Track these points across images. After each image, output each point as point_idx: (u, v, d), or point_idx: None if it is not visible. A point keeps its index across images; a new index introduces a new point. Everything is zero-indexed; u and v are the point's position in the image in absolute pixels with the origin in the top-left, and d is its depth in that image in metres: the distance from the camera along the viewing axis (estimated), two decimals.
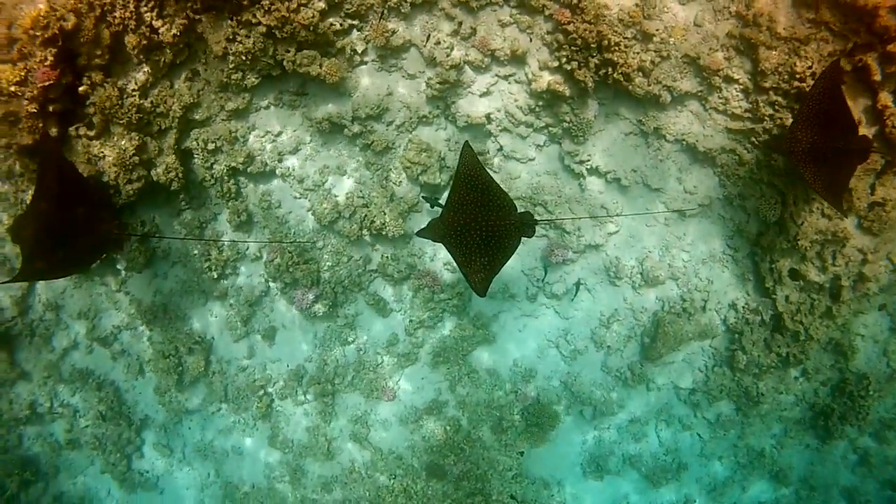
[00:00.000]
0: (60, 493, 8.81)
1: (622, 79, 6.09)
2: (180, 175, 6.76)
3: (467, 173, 4.81)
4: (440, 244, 4.89)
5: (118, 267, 7.52)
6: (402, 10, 6.40)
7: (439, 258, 7.17)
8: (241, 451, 8.07)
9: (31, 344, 8.06)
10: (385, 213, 6.85)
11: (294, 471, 7.90)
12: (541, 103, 6.59)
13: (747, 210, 6.66)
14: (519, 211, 4.99)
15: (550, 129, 6.71)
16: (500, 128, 6.79)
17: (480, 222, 4.77)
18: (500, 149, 6.87)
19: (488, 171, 4.96)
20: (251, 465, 8.11)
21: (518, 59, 6.48)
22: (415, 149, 6.74)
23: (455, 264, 5.51)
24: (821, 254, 6.60)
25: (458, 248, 4.80)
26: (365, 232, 6.99)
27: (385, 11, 6.40)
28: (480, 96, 6.69)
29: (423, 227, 4.97)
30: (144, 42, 6.08)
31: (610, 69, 6.09)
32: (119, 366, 8.08)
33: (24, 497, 8.67)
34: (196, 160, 6.91)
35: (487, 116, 6.73)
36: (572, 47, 6.14)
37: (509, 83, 6.66)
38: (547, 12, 6.22)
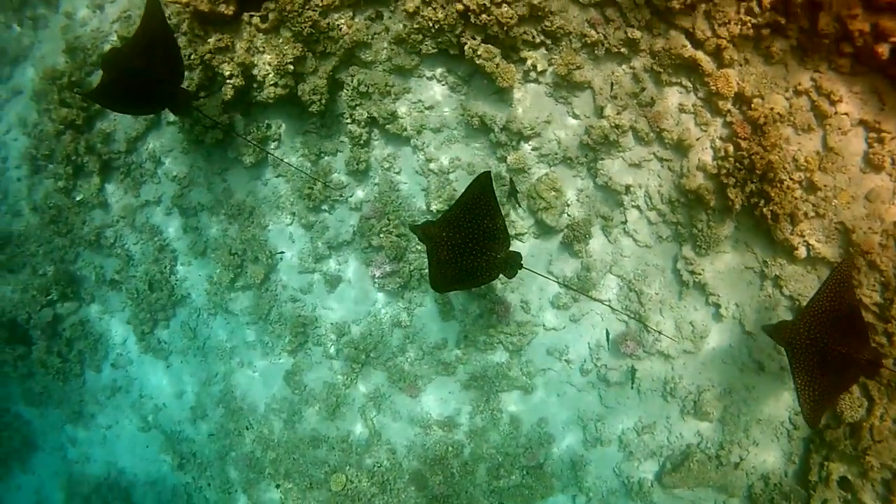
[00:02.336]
0: (87, 320, 10.80)
1: (769, 216, 7.06)
2: (323, 101, 8.21)
3: (477, 196, 5.85)
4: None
5: (228, 153, 9.07)
6: (596, 52, 7.56)
7: (519, 293, 8.39)
8: (255, 370, 9.67)
9: (122, 182, 9.90)
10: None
11: (293, 413, 9.44)
12: (682, 200, 7.63)
13: None
14: (511, 249, 5.95)
15: (679, 227, 7.74)
16: (633, 203, 7.88)
17: (469, 244, 5.85)
18: (624, 222, 7.96)
19: (499, 205, 5.93)
20: (258, 387, 9.71)
21: (681, 148, 7.52)
22: (547, 184, 7.92)
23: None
24: (889, 484, 7.30)
25: (436, 256, 5.90)
26: None
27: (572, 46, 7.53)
28: (629, 166, 7.79)
29: (419, 223, 6.05)
30: None
31: (762, 201, 7.06)
32: (186, 239, 9.77)
33: (59, 307, 10.65)
34: (343, 94, 8.34)
35: (627, 187, 7.83)
36: (737, 163, 7.13)
37: (662, 166, 7.72)
38: (728, 119, 7.28)
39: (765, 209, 7.05)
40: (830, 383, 5.51)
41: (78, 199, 10.32)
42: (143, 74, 6.72)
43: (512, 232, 8.06)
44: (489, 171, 5.99)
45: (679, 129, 7.50)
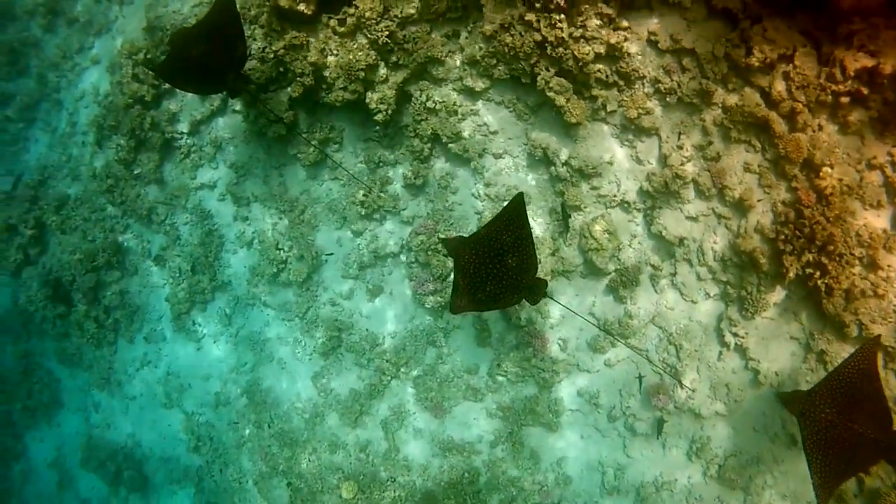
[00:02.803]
0: (127, 291, 11.29)
1: (823, 289, 7.08)
2: (390, 112, 8.48)
3: (510, 217, 5.96)
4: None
5: (288, 149, 9.36)
6: (668, 99, 7.69)
7: (558, 329, 8.53)
8: (284, 365, 9.96)
9: (181, 163, 10.31)
10: (542, 258, 8.23)
11: (316, 414, 9.72)
12: (735, 259, 7.69)
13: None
14: (538, 276, 6.02)
15: (728, 287, 7.80)
16: (685, 256, 7.96)
17: (496, 264, 5.91)
18: (674, 274, 8.04)
19: (530, 227, 6.04)
20: (284, 383, 10.03)
21: (741, 207, 7.58)
22: (602, 226, 8.06)
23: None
24: None
25: (463, 272, 5.96)
26: None
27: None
28: (686, 218, 7.88)
29: (448, 236, 6.09)
30: None
31: (818, 273, 7.08)
32: (235, 227, 10.12)
33: (102, 274, 11.22)
34: (410, 108, 8.60)
35: (681, 239, 7.92)
36: (797, 231, 7.16)
37: (719, 223, 7.79)
38: (794, 184, 7.31)
39: (820, 281, 7.05)
40: (843, 461, 5.46)
41: (136, 172, 10.74)
42: (205, 56, 7.07)
43: (559, 267, 8.20)
44: (523, 193, 6.12)
45: (741, 188, 7.54)
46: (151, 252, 11.04)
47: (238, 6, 8.69)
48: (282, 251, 9.52)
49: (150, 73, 10.15)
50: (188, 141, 10.36)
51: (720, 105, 7.48)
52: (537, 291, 6.04)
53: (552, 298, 6.96)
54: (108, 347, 11.94)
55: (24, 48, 13.28)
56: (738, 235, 7.63)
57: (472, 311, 6.30)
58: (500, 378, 8.81)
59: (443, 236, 7.46)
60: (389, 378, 9.22)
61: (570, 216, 8.10)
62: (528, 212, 7.86)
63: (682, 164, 7.76)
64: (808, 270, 7.11)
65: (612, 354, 8.43)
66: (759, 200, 7.52)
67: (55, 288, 12.06)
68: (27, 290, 12.53)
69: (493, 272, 5.91)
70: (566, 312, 7.94)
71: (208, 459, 10.95)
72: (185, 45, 7.15)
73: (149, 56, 10.19)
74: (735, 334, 7.81)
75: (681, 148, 7.77)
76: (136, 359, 11.65)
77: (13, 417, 13.95)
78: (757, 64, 7.00)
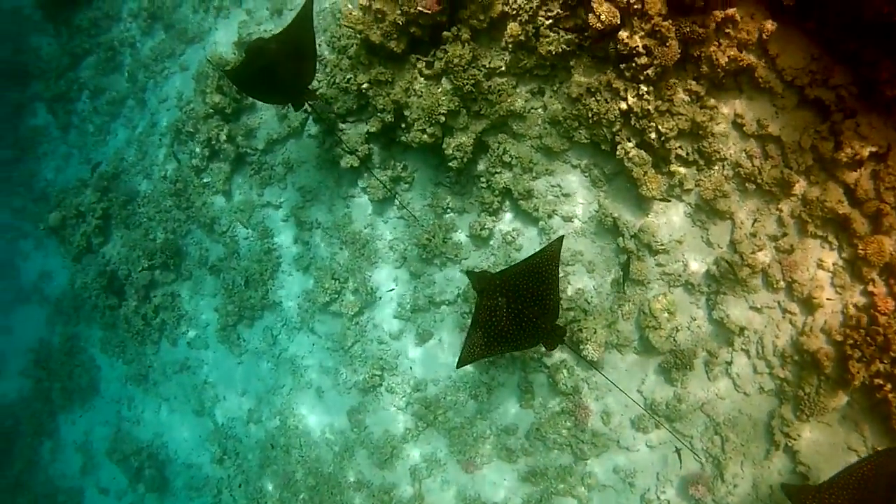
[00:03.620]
0: (178, 294, 11.43)
1: (893, 402, 6.67)
2: (465, 160, 8.37)
3: (544, 260, 5.87)
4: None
5: (358, 182, 9.29)
6: (747, 185, 7.44)
7: (603, 403, 8.24)
8: (322, 395, 9.84)
9: (250, 178, 10.40)
10: (596, 332, 7.97)
11: (346, 449, 9.55)
12: (796, 357, 7.35)
13: None
14: (559, 322, 5.89)
15: (785, 384, 7.45)
16: (744, 346, 7.65)
17: (519, 305, 5.78)
18: (729, 363, 7.73)
19: (559, 274, 5.97)
20: (319, 413, 9.91)
21: (809, 305, 7.26)
22: (663, 305, 7.80)
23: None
24: None
25: (485, 310, 5.85)
26: (568, 331, 8.17)
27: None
28: (750, 308, 7.58)
29: (476, 269, 6.11)
30: (519, 36, 7.68)
31: (888, 385, 6.69)
32: (295, 249, 10.11)
33: (157, 274, 11.54)
34: (486, 158, 8.50)
35: (741, 329, 7.61)
36: (868, 337, 6.81)
37: (784, 317, 7.47)
38: (870, 288, 6.96)
39: (890, 395, 6.67)
40: None
41: (205, 180, 10.80)
42: (277, 66, 7.17)
43: (614, 339, 7.95)
44: (563, 237, 6.12)
45: (812, 285, 7.24)
46: (208, 260, 11.05)
47: (329, 35, 8.78)
48: (337, 281, 9.42)
49: (234, 87, 10.18)
50: (261, 158, 10.39)
51: (800, 197, 7.22)
52: (555, 338, 5.92)
53: (568, 346, 7.06)
54: (151, 346, 11.97)
55: (122, 47, 13.65)
56: (802, 333, 7.30)
57: (482, 357, 6.10)
58: (537, 442, 8.52)
59: (469, 269, 7.35)
60: (426, 425, 9.00)
61: (629, 261, 7.88)
62: (595, 278, 7.76)
63: (752, 252, 7.48)
64: (877, 381, 6.72)
65: (655, 436, 8.12)
66: (829, 300, 7.18)
67: (110, 279, 12.18)
68: (84, 277, 12.71)
69: (514, 313, 5.79)
70: (613, 386, 7.64)
71: (230, 473, 10.84)
72: (260, 55, 7.27)
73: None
74: (787, 434, 7.45)
75: (754, 236, 7.51)
76: (176, 361, 11.63)
77: (52, 395, 14.14)
78: (845, 159, 6.73)
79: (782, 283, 7.42)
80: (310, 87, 7.57)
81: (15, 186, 16.04)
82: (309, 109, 8.99)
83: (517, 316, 5.79)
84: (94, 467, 13.42)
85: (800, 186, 7.18)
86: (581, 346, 7.93)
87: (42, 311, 15.15)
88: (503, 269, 6.27)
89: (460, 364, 6.01)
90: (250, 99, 10.38)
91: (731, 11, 6.77)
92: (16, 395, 15.19)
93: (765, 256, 7.47)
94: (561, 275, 8.16)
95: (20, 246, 16.13)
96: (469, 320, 8.17)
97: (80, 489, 13.57)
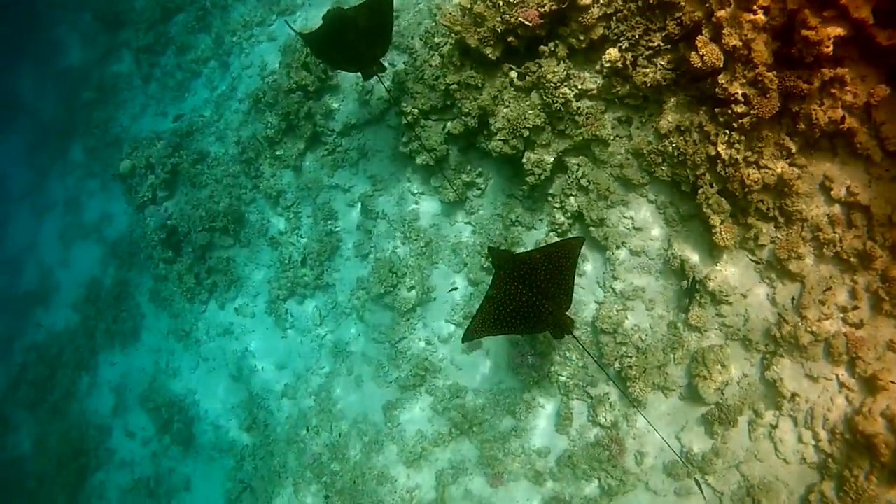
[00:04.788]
0: (234, 259, 11.66)
1: None
2: (542, 177, 8.26)
3: (563, 251, 6.01)
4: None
5: (431, 181, 9.22)
6: (824, 250, 7.17)
7: (640, 442, 8.07)
8: (361, 384, 9.83)
9: (323, 158, 10.66)
10: (646, 373, 7.81)
11: (376, 441, 9.53)
12: (847, 437, 7.08)
13: None
14: (568, 312, 5.94)
15: (830, 461, 7.15)
16: (792, 413, 7.38)
17: (533, 288, 5.86)
18: (774, 426, 7.48)
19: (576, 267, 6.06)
20: (355, 401, 9.90)
21: (871, 386, 6.96)
22: (716, 356, 7.59)
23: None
24: None
25: (500, 287, 5.93)
26: (618, 365, 8.01)
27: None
28: (806, 375, 7.34)
29: (497, 245, 6.30)
30: (617, 62, 7.57)
31: None
32: (356, 236, 10.09)
33: (217, 236, 11.76)
34: (563, 179, 8.35)
35: (793, 395, 7.36)
36: None
37: (840, 392, 7.21)
38: None
39: None
40: None
41: (278, 153, 10.78)
42: (352, 35, 7.33)
43: (661, 381, 7.79)
44: (584, 239, 6.36)
45: (878, 366, 6.96)
46: (269, 232, 11.08)
47: (423, 29, 8.69)
48: (395, 275, 9.37)
49: (320, 65, 10.13)
50: (336, 140, 10.35)
51: (879, 273, 6.93)
52: (563, 328, 5.93)
53: (575, 338, 7.18)
54: (199, 305, 12.04)
55: (213, 9, 13.74)
56: (859, 413, 7.01)
57: (488, 335, 6.05)
58: (566, 469, 8.38)
59: (491, 246, 7.43)
60: (459, 433, 8.91)
61: (696, 280, 7.68)
62: (652, 316, 7.59)
63: (818, 320, 7.22)
64: None
65: (684, 484, 7.89)
66: (894, 383, 6.82)
67: (170, 234, 12.28)
68: (143, 227, 12.85)
69: (527, 294, 5.84)
70: (650, 429, 7.46)
71: (256, 443, 10.87)
72: (337, 22, 7.42)
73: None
74: None
75: (822, 303, 7.22)
76: (221, 324, 11.69)
77: (95, 333, 14.36)
78: None
79: (845, 357, 7.14)
80: (381, 59, 7.60)
81: (91, 127, 16.27)
82: (377, 80, 9.02)
83: (530, 299, 5.83)
84: (125, 410, 13.60)
85: (882, 262, 6.88)
86: (628, 383, 7.79)
87: (98, 251, 15.38)
88: (523, 251, 6.30)
89: (466, 338, 6.05)
90: (335, 79, 10.35)
91: (841, 71, 6.49)
92: (63, 326, 15.45)
93: (831, 326, 7.20)
94: (619, 308, 8.00)
95: (88, 184, 16.35)
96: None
97: (109, 428, 13.76)
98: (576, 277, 7.90)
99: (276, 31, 12.16)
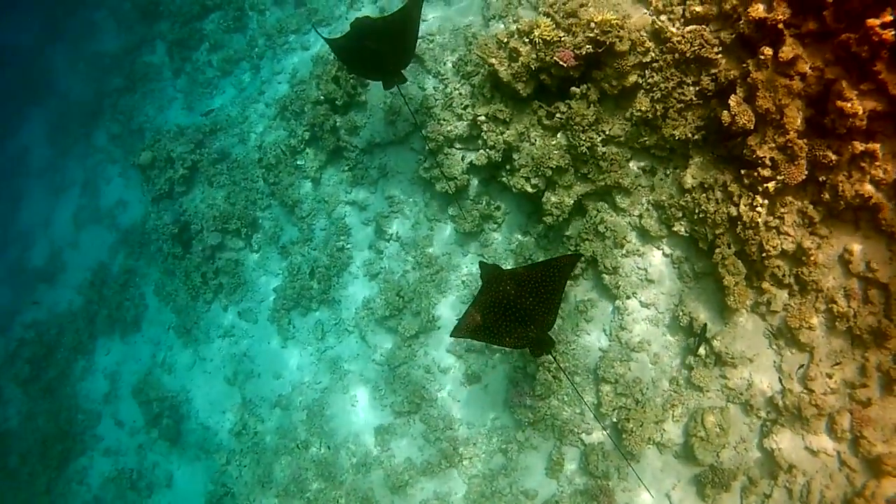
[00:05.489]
0: (242, 263, 11.66)
1: None
2: (560, 219, 8.16)
3: (555, 270, 5.97)
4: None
5: (448, 209, 9.16)
6: (837, 323, 6.99)
7: (630, 497, 7.94)
8: (355, 403, 9.77)
9: (343, 172, 10.65)
10: (642, 427, 7.71)
11: (364, 464, 9.35)
12: None
13: None
14: (550, 334, 5.91)
15: None
16: (787, 484, 7.16)
17: (518, 304, 5.86)
18: (768, 496, 7.29)
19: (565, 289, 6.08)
20: (347, 420, 9.81)
21: (874, 467, 6.81)
22: (716, 419, 7.47)
23: None
24: None
25: (483, 295, 6.02)
26: (616, 416, 7.89)
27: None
28: (805, 448, 7.13)
29: (488, 261, 6.51)
30: (647, 112, 7.52)
31: None
32: (366, 255, 10.11)
33: (228, 238, 11.74)
34: (580, 222, 8.25)
35: (790, 467, 7.16)
36: None
37: (840, 470, 7.04)
38: None
39: None
40: None
41: (298, 163, 10.73)
42: (378, 44, 7.37)
43: (657, 437, 7.68)
44: (580, 256, 6.38)
45: (883, 448, 6.78)
46: (280, 240, 11.02)
47: (457, 56, 8.65)
48: (402, 299, 9.27)
49: (350, 80, 10.09)
50: (358, 156, 10.30)
51: (893, 352, 6.74)
52: (542, 346, 5.88)
53: (555, 359, 7.20)
54: (203, 304, 11.97)
55: (250, 10, 13.75)
56: (859, 494, 6.85)
57: (472, 337, 6.20)
58: None
59: (483, 260, 7.58)
60: (449, 465, 8.76)
61: (706, 328, 7.53)
62: (650, 371, 7.45)
63: (824, 394, 7.05)
64: None
65: None
66: None
67: (182, 230, 12.24)
68: (157, 219, 12.82)
69: (512, 309, 5.85)
70: (639, 484, 7.32)
71: (243, 448, 10.75)
72: (365, 29, 7.52)
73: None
74: None
75: (830, 377, 7.07)
76: (222, 326, 11.61)
77: (97, 318, 14.34)
78: None
79: (849, 435, 6.98)
80: (402, 70, 7.64)
81: (117, 113, 16.31)
82: (399, 95, 9.02)
83: (513, 313, 5.84)
84: (117, 399, 13.52)
85: None
86: (623, 435, 7.63)
87: (109, 237, 15.36)
88: (514, 268, 6.32)
89: (455, 333, 6.16)
90: (363, 96, 10.30)
91: (873, 146, 6.38)
92: (66, 308, 15.41)
93: (836, 401, 7.05)
94: (623, 358, 7.87)
95: (107, 170, 16.35)
96: (521, 377, 7.98)
97: (99, 414, 13.68)
98: (579, 318, 7.86)
99: (310, 40, 12.15)
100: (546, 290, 5.93)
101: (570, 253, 6.06)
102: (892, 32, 5.70)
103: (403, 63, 7.63)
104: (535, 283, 5.95)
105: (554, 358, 7.53)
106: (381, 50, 7.35)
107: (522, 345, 5.97)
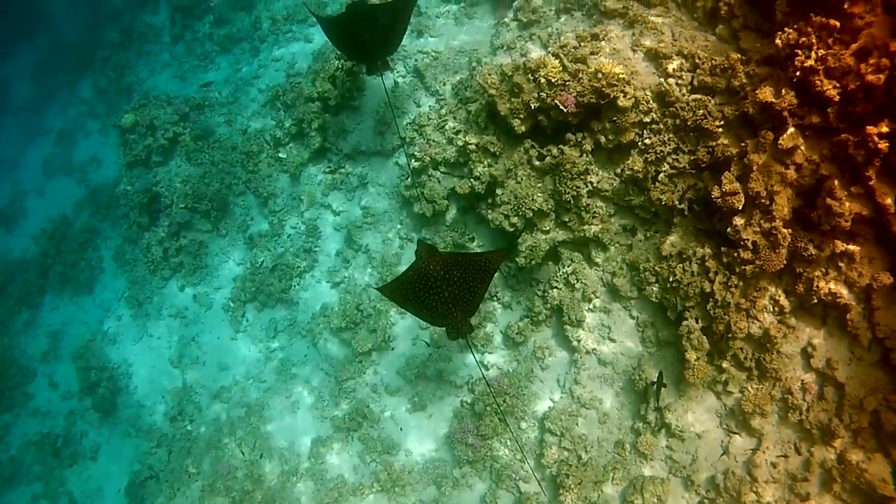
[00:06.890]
0: (206, 246, 11.54)
1: None
2: (533, 262, 8.00)
3: (485, 262, 6.16)
4: None
5: (424, 231, 8.96)
6: (790, 415, 6.88)
7: None
8: (296, 409, 9.53)
9: (324, 174, 10.38)
10: (581, 485, 7.53)
11: (294, 473, 9.07)
12: None
13: None
14: (472, 320, 6.14)
15: None
16: None
17: (445, 285, 6.01)
18: None
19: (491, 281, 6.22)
20: (286, 425, 9.53)
21: None
22: (655, 490, 7.32)
23: None
24: None
25: (414, 271, 6.18)
26: (555, 470, 7.70)
27: None
28: None
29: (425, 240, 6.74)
30: (638, 172, 7.39)
31: None
32: (332, 262, 10.00)
33: (197, 219, 11.39)
34: (552, 270, 8.16)
35: None
36: None
37: None
38: None
39: None
40: None
41: (280, 155, 10.46)
42: (368, 28, 7.43)
43: (595, 496, 7.49)
44: (509, 253, 6.41)
45: None
46: (249, 230, 10.75)
47: (458, 79, 8.48)
48: (360, 313, 9.00)
49: (346, 82, 9.86)
50: (341, 161, 10.07)
51: (839, 453, 6.68)
52: (460, 331, 6.05)
53: (469, 343, 7.10)
54: (160, 280, 11.64)
55: None
56: None
57: (397, 303, 6.38)
58: None
59: (421, 238, 7.67)
60: (379, 489, 8.52)
61: (662, 375, 7.34)
62: (598, 431, 7.32)
63: (765, 482, 6.98)
64: None
65: None
66: None
67: (151, 200, 11.92)
68: (128, 184, 12.47)
69: (437, 289, 5.99)
70: None
71: (176, 435, 10.39)
72: (358, 12, 7.60)
73: (355, 67, 9.87)
74: None
75: (774, 466, 7.00)
76: (175, 306, 11.30)
77: (49, 273, 13.87)
78: None
79: None
80: (387, 58, 7.69)
81: (107, 68, 15.89)
82: (379, 76, 8.64)
83: (438, 293, 5.98)
84: (55, 359, 13.10)
85: (843, 443, 6.65)
86: (560, 491, 7.48)
87: (77, 192, 14.94)
88: (450, 252, 6.64)
89: (381, 289, 6.36)
90: (357, 101, 10.06)
91: (853, 248, 6.32)
92: (19, 256, 14.92)
93: (776, 491, 6.95)
94: (573, 412, 7.73)
95: (87, 123, 15.89)
96: (468, 415, 7.79)
97: (34, 373, 13.22)
98: (535, 364, 7.70)
99: (314, 32, 11.89)
100: (472, 277, 6.06)
101: (500, 249, 6.04)
102: (887, 143, 5.68)
103: (389, 51, 7.68)
104: (462, 269, 6.08)
105: (468, 343, 7.38)
106: (371, 34, 7.41)
107: (441, 323, 6.15)
